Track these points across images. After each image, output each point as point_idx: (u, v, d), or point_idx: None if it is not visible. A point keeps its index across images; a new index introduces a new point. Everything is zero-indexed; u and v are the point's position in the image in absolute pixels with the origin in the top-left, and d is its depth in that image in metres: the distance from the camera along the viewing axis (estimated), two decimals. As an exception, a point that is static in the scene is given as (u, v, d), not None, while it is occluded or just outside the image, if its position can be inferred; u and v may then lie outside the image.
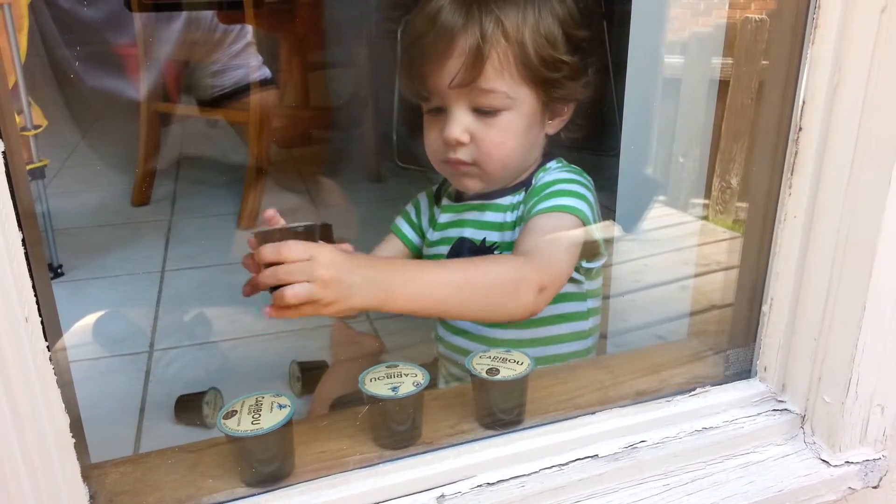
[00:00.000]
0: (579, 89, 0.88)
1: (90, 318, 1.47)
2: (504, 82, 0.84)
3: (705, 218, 1.79)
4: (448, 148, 0.86)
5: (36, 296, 0.46)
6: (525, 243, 0.84)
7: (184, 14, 2.05)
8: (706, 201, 1.83)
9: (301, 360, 1.27)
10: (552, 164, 0.93)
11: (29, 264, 0.45)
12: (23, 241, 0.44)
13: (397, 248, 1.01)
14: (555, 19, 0.84)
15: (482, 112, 0.85)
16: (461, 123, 0.84)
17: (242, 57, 2.11)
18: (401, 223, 1.02)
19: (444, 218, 0.97)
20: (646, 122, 1.35)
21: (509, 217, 0.91)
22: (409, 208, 1.03)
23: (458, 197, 0.97)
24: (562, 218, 0.85)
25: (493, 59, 0.82)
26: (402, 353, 1.32)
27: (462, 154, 0.86)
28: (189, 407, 1.18)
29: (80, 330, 1.40)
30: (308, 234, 0.65)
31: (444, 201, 0.98)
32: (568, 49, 0.85)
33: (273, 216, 0.71)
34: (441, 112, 0.86)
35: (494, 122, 0.85)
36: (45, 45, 2.39)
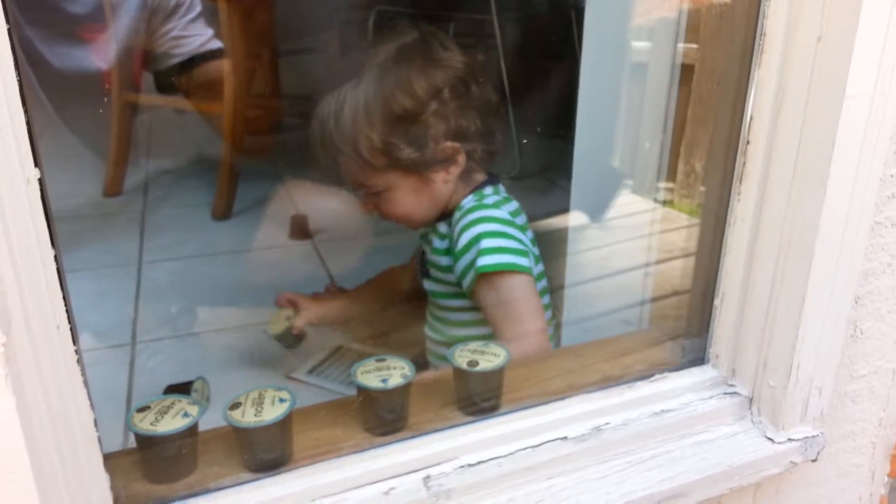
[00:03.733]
0: (446, 158, 0.98)
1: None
2: (364, 176, 0.99)
3: (671, 202, 1.84)
4: None
5: (65, 302, 0.51)
6: (505, 329, 0.99)
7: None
8: (671, 185, 1.87)
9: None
10: (469, 201, 1.02)
11: (60, 275, 0.50)
12: (55, 257, 0.49)
13: None
14: (379, 123, 0.95)
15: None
16: (362, 199, 1.04)
17: (196, 27, 2.13)
18: None
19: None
20: (603, 108, 1.40)
21: (442, 244, 1.07)
22: None
23: None
24: (511, 281, 0.98)
25: (343, 164, 0.99)
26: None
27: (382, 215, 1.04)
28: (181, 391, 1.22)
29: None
30: None
31: None
32: (404, 142, 0.95)
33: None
34: None
35: (382, 198, 1.01)
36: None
